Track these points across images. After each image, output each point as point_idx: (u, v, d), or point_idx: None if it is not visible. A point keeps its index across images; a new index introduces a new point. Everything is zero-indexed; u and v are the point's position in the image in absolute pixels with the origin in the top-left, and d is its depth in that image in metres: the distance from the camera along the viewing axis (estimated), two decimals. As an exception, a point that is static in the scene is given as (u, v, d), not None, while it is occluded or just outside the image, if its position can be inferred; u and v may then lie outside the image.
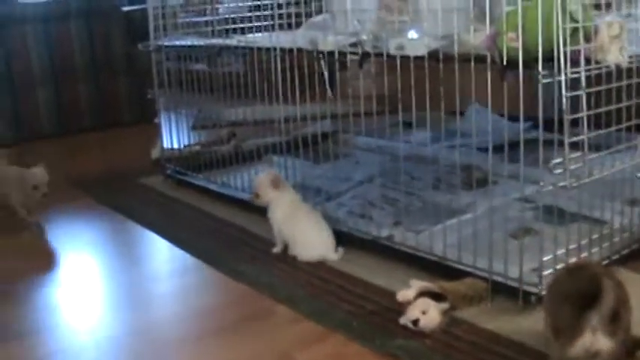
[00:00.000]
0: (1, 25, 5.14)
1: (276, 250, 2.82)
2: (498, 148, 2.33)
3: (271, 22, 3.28)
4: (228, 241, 3.01)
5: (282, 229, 2.80)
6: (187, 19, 3.86)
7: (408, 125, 2.98)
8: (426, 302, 2.16)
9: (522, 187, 2.26)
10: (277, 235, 2.82)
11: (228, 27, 3.51)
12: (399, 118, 2.77)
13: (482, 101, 2.37)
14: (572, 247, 2.32)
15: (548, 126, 2.12)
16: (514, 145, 2.25)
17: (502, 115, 2.35)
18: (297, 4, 3.21)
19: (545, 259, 2.22)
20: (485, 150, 2.37)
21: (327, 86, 4.52)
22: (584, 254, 2.35)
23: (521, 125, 2.15)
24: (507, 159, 2.33)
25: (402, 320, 2.17)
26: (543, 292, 2.16)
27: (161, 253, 3.04)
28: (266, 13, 3.48)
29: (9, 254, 3.06)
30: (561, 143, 2.10)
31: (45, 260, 3.01)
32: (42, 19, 5.31)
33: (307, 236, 2.76)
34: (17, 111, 5.28)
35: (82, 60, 5.49)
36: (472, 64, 2.27)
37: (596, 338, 1.71)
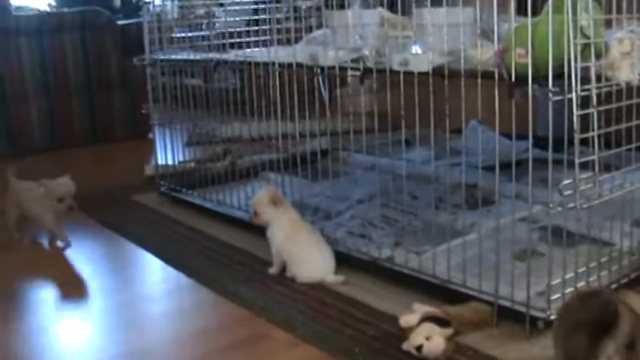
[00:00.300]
0: (-6, 38, 5.08)
1: (273, 270, 2.74)
2: (501, 167, 2.25)
3: (269, 37, 3.21)
4: (223, 260, 2.93)
5: (282, 249, 2.70)
6: (183, 34, 3.80)
7: (407, 143, 2.92)
8: (430, 327, 2.07)
9: (531, 208, 2.17)
10: (275, 255, 2.73)
11: (225, 41, 3.43)
12: (402, 135, 2.69)
13: (484, 119, 2.30)
14: (580, 270, 2.24)
15: (553, 145, 2.05)
16: (516, 165, 2.18)
17: (503, 134, 2.27)
18: (295, 19, 3.14)
19: (553, 282, 2.14)
20: (487, 169, 2.29)
21: (326, 102, 4.47)
22: (592, 278, 2.27)
23: (530, 143, 2.08)
24: (506, 178, 2.25)
25: (405, 346, 2.09)
26: (551, 317, 2.09)
27: (154, 273, 2.95)
28: (264, 27, 3.43)
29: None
30: (571, 163, 2.03)
31: (34, 279, 2.93)
32: (36, 31, 5.25)
33: (308, 256, 2.68)
34: (9, 125, 5.21)
35: (75, 74, 5.43)
36: (479, 80, 2.20)
37: None
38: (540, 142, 2.11)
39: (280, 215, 2.72)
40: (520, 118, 2.15)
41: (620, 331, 1.65)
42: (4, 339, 2.38)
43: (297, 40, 3.15)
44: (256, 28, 3.47)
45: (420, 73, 2.36)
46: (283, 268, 2.72)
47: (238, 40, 3.42)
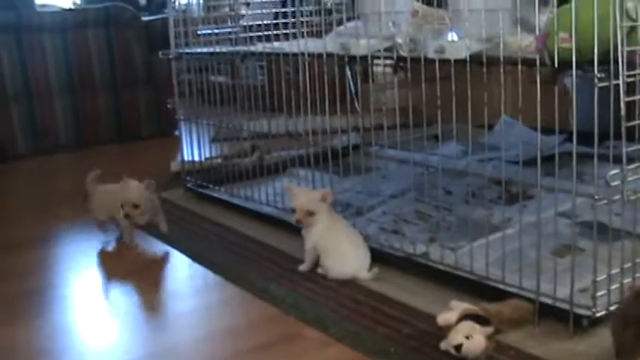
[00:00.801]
0: (18, 34, 5.03)
1: (304, 267, 2.65)
2: (532, 162, 2.16)
3: (295, 31, 3.13)
4: (251, 257, 2.86)
5: (319, 244, 2.60)
6: (209, 31, 3.73)
7: (436, 138, 2.84)
8: (470, 326, 1.98)
9: (574, 200, 2.07)
10: (309, 251, 2.64)
11: (252, 34, 3.36)
12: (438, 129, 2.60)
13: (517, 113, 2.21)
14: (626, 266, 2.14)
15: (587, 139, 1.95)
16: (548, 159, 2.09)
17: (534, 128, 2.18)
18: (324, 12, 3.05)
19: (598, 279, 2.04)
20: (523, 163, 2.20)
21: (355, 96, 4.39)
22: (639, 274, 2.17)
23: (575, 133, 1.98)
24: (545, 172, 2.15)
25: (444, 345, 2.00)
26: (597, 315, 2.00)
27: (181, 270, 2.88)
28: (292, 20, 3.35)
29: (19, 271, 2.91)
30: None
31: (59, 278, 2.86)
32: (60, 28, 5.19)
33: (344, 251, 2.59)
34: (35, 123, 5.16)
35: (100, 71, 5.37)
36: (519, 67, 2.10)
37: None
38: (578, 137, 2.01)
39: (318, 219, 2.62)
40: (554, 111, 2.06)
41: None
42: (28, 336, 2.32)
43: (327, 33, 3.07)
44: (284, 20, 3.38)
45: (456, 61, 2.26)
46: (314, 266, 2.63)
47: (266, 32, 3.34)
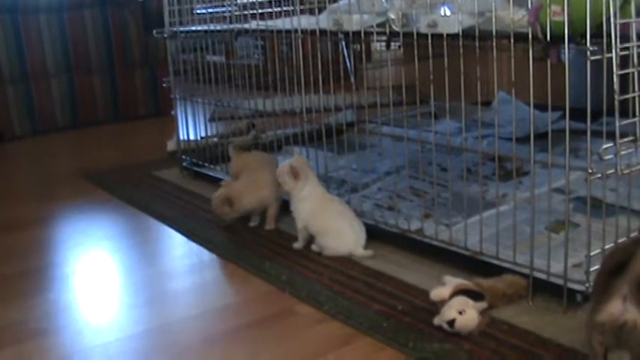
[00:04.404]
0: (14, 15, 5.01)
1: (298, 245, 2.66)
2: (529, 138, 2.15)
3: (291, 8, 3.11)
4: (246, 235, 2.86)
5: (310, 222, 2.61)
6: (204, 10, 3.71)
7: (435, 116, 2.83)
8: (463, 301, 1.97)
9: (567, 176, 2.06)
10: (301, 229, 2.64)
11: (246, 12, 3.34)
12: (431, 106, 2.59)
13: (517, 89, 2.20)
14: (620, 240, 2.13)
15: (584, 116, 1.94)
16: (544, 135, 2.07)
17: (534, 105, 2.17)
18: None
19: (592, 254, 2.03)
20: (517, 140, 2.19)
21: (351, 73, 4.37)
22: (633, 249, 2.16)
23: (567, 106, 1.97)
24: (536, 149, 2.14)
25: (437, 321, 1.99)
26: (591, 290, 1.99)
27: (177, 248, 2.88)
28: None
29: (18, 251, 2.91)
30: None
31: (58, 257, 2.86)
32: (56, 8, 5.18)
33: (338, 228, 2.58)
34: (31, 103, 5.15)
35: (96, 51, 5.37)
36: (512, 41, 2.09)
37: (625, 307, 1.59)
38: (576, 114, 1.99)
39: (301, 188, 2.63)
40: (552, 88, 2.04)
41: (630, 272, 1.59)
42: (24, 315, 2.31)
43: (321, 11, 3.05)
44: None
45: (449, 36, 2.25)
46: (308, 243, 2.63)
47: (260, 10, 3.32)
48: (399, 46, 2.78)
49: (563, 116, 2.00)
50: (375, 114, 2.87)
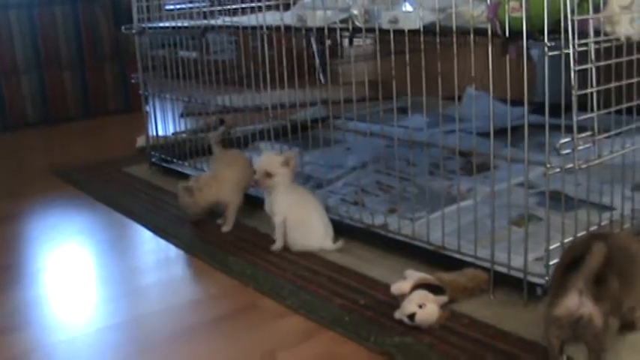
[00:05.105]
0: (-18, 11, 4.99)
1: (277, 247, 2.61)
2: (497, 133, 2.16)
3: (260, 4, 3.12)
4: (212, 231, 2.86)
5: (288, 217, 2.57)
6: (174, 6, 3.71)
7: (402, 111, 2.84)
8: (423, 295, 1.99)
9: (526, 171, 2.08)
10: (279, 226, 2.59)
11: (214, 8, 3.34)
12: (393, 101, 2.60)
13: (484, 84, 2.21)
14: (580, 234, 2.15)
15: (552, 110, 1.96)
16: (514, 130, 2.09)
17: (502, 100, 2.18)
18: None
19: (551, 247, 2.05)
20: (484, 135, 2.21)
21: (319, 70, 4.38)
22: (592, 242, 2.18)
23: (526, 104, 1.99)
24: (503, 143, 2.15)
25: (398, 315, 2.01)
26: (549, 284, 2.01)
27: (144, 244, 2.88)
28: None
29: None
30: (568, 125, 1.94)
31: (27, 252, 2.86)
32: (26, 4, 5.15)
33: (311, 224, 2.57)
34: (1, 99, 5.13)
35: (67, 46, 5.34)
36: (472, 37, 2.11)
37: (581, 301, 1.64)
38: (539, 108, 2.01)
39: (289, 179, 2.60)
40: (518, 82, 2.06)
41: (585, 266, 1.64)
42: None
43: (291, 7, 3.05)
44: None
45: (410, 32, 2.26)
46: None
47: (229, 6, 3.32)
48: (371, 42, 2.79)
49: (533, 111, 2.02)
50: (346, 109, 2.89)
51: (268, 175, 2.58)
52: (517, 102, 2.06)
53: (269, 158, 2.62)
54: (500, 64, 2.08)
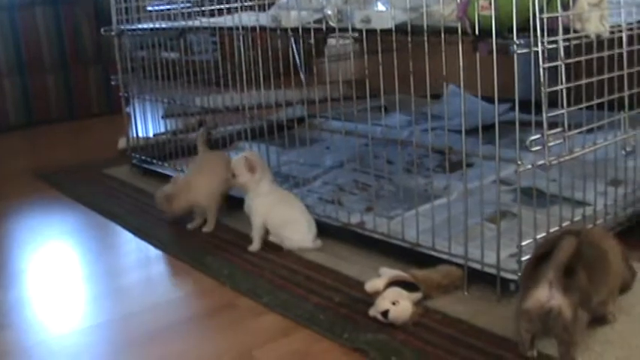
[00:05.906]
0: (-37, 14, 4.98)
1: (254, 247, 2.62)
2: (474, 131, 2.18)
3: (238, 5, 3.13)
4: (192, 231, 2.88)
5: (269, 215, 2.59)
6: (154, 8, 3.71)
7: (380, 109, 2.86)
8: (396, 292, 2.01)
9: (498, 168, 2.10)
10: (257, 228, 2.61)
11: (193, 9, 3.34)
12: (368, 101, 2.61)
13: (465, 83, 2.22)
14: (553, 229, 2.18)
15: (527, 107, 1.98)
16: (491, 127, 2.11)
17: (484, 98, 2.20)
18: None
19: (524, 243, 2.08)
20: (461, 133, 2.22)
21: (300, 69, 4.39)
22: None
23: (496, 102, 2.00)
24: (484, 141, 2.17)
25: (372, 312, 2.02)
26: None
27: (124, 245, 2.88)
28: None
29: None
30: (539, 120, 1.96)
31: (9, 254, 2.87)
32: (7, 6, 5.15)
33: (298, 220, 2.58)
34: (-17, 102, 5.14)
35: (49, 49, 5.34)
36: (442, 36, 2.12)
37: (551, 294, 1.67)
38: (521, 105, 2.03)
39: (258, 182, 2.62)
40: (500, 80, 2.08)
41: (554, 258, 1.68)
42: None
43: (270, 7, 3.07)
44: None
45: (382, 31, 2.28)
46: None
47: (208, 7, 3.32)
48: (351, 42, 2.81)
49: (512, 108, 2.03)
50: (326, 109, 2.90)
51: (234, 176, 2.64)
52: (501, 100, 2.08)
53: (237, 160, 2.66)
54: (475, 62, 2.10)
